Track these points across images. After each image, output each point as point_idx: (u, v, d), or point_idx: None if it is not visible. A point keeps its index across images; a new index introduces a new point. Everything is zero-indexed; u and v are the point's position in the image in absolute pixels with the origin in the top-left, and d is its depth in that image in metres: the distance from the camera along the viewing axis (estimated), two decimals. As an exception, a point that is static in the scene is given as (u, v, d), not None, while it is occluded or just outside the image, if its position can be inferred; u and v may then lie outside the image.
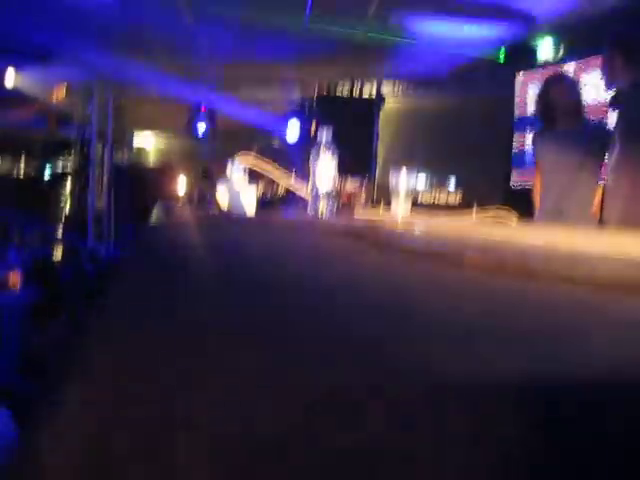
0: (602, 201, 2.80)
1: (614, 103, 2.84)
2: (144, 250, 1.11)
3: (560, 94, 3.03)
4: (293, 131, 7.72)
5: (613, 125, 2.76)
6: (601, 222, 2.68)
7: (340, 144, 1.67)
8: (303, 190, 1.93)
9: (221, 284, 0.59)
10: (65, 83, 7.51)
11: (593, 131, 3.03)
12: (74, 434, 0.27)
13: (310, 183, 1.66)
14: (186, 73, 7.02)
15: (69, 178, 8.92)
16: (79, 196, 8.52)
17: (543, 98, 3.12)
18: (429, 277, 0.66)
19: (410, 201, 1.91)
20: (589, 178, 2.97)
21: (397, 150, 7.74)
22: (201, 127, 8.59)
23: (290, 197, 2.13)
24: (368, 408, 0.28)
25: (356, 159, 6.95)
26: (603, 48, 2.74)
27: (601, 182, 2.90)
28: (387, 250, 0.82)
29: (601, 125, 3.12)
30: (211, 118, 8.61)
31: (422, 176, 6.45)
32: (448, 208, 6.00)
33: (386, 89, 8.07)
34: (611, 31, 2.81)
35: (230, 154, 2.12)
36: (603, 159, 2.87)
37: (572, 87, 3.08)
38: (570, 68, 5.26)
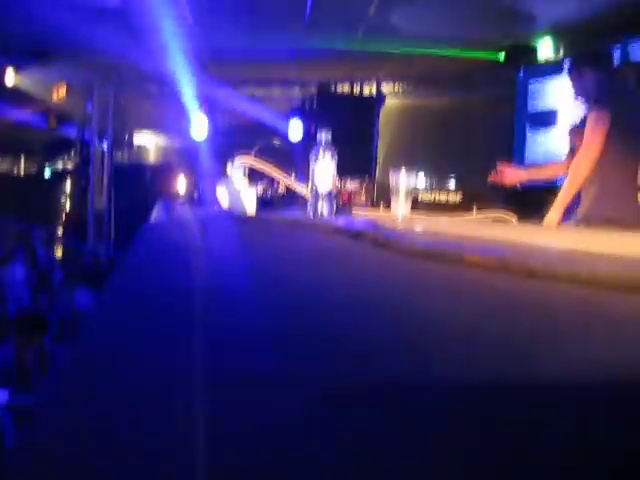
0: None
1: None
2: (144, 249, 1.11)
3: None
4: (293, 131, 7.72)
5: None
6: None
7: (340, 144, 1.66)
8: (303, 190, 1.93)
9: (220, 284, 0.59)
10: (65, 83, 7.50)
11: None
12: (71, 432, 0.27)
13: (310, 183, 1.66)
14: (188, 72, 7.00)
15: (69, 178, 8.91)
16: (79, 196, 8.51)
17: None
18: (429, 277, 0.66)
19: (410, 201, 1.91)
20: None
21: (397, 150, 7.73)
22: (201, 126, 8.58)
23: (290, 197, 2.12)
24: (368, 407, 0.28)
25: (356, 159, 6.94)
26: (574, 66, 2.75)
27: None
28: (387, 250, 0.82)
29: None
30: (212, 117, 8.59)
31: (422, 176, 6.44)
32: (448, 208, 5.99)
33: (386, 89, 8.05)
34: (580, 51, 2.84)
35: (230, 154, 2.12)
36: None
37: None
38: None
